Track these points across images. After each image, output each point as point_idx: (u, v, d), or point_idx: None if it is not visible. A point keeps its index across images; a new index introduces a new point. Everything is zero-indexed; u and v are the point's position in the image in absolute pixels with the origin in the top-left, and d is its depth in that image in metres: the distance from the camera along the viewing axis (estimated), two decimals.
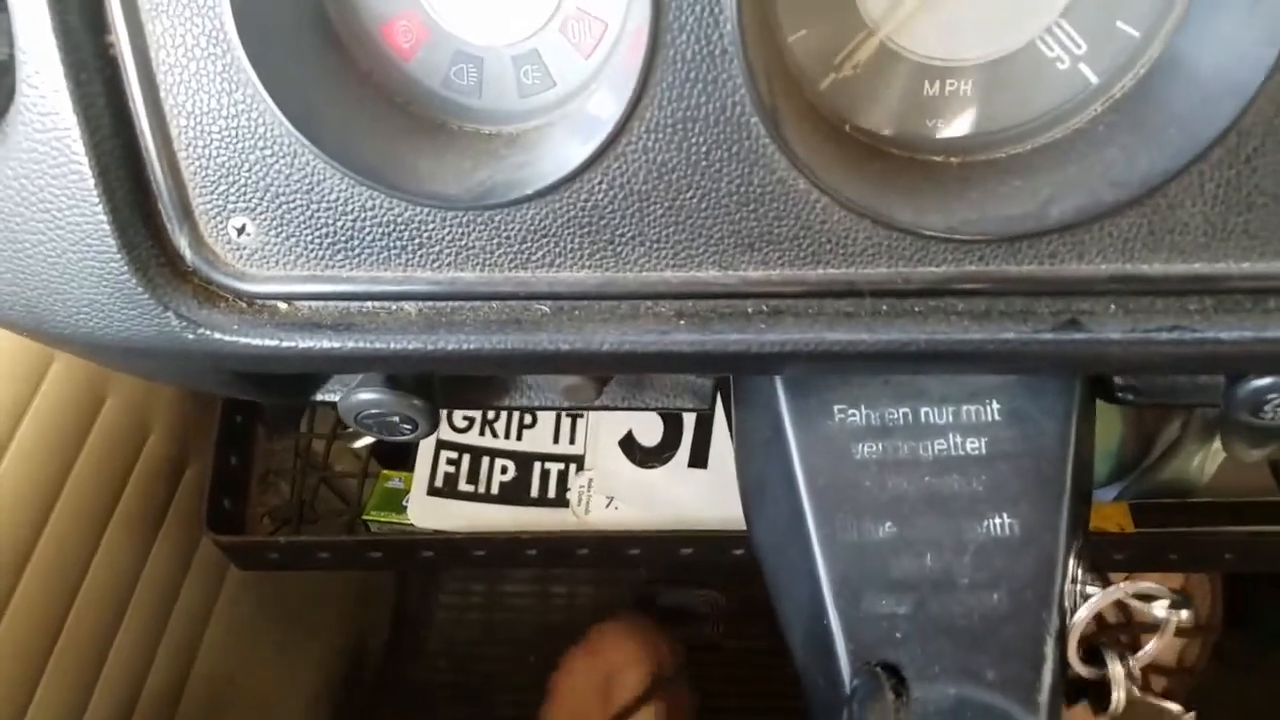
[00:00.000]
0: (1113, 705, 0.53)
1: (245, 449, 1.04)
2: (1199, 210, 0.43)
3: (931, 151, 0.47)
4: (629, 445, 1.02)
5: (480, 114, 0.48)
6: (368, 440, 1.06)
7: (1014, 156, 0.46)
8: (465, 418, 1.03)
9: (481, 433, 1.03)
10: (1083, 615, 0.52)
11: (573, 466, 1.02)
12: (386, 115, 0.47)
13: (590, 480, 1.00)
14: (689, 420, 1.01)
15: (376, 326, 0.48)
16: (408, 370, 0.54)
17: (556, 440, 1.03)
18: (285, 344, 0.48)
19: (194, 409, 1.03)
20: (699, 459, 1.01)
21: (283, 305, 0.48)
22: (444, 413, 0.99)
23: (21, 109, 0.43)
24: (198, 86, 0.44)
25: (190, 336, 0.47)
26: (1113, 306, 0.45)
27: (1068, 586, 0.53)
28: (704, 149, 0.43)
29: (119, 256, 0.46)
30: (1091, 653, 0.54)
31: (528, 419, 1.03)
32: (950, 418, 0.54)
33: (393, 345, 0.48)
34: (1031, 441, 0.53)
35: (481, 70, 0.47)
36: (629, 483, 1.00)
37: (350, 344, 0.48)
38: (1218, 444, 1.01)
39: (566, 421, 1.03)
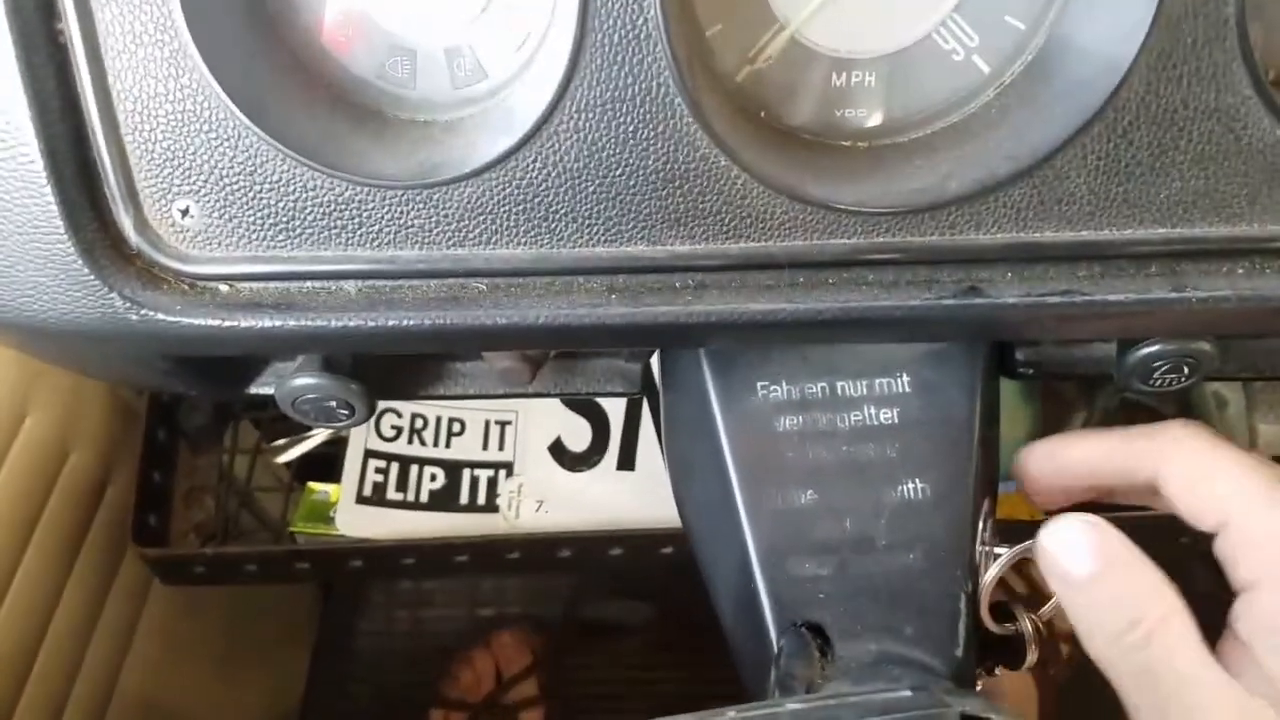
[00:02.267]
0: (1028, 657, 0.56)
1: (168, 466, 1.03)
2: (1083, 181, 0.47)
3: (840, 137, 0.51)
4: (558, 451, 1.03)
5: (416, 104, 0.50)
6: (291, 455, 1.06)
7: (916, 140, 0.50)
8: (393, 426, 1.04)
9: (410, 441, 1.03)
10: (993, 573, 0.55)
11: (502, 473, 1.03)
12: (326, 101, 0.49)
13: (520, 486, 1.01)
14: (616, 424, 1.03)
15: (317, 306, 0.49)
16: (347, 350, 0.55)
17: (485, 447, 1.04)
18: (227, 324, 0.49)
19: (115, 428, 1.02)
20: (627, 462, 1.02)
21: (224, 287, 0.49)
22: (371, 420, 1.00)
23: None
24: (145, 72, 0.45)
25: (134, 318, 0.48)
26: (1009, 274, 0.49)
27: (978, 547, 0.56)
28: (631, 128, 0.45)
29: (65, 239, 0.46)
30: (1002, 613, 0.57)
31: (456, 427, 1.04)
32: (865, 390, 0.57)
33: (333, 324, 0.49)
34: (940, 410, 0.56)
35: (415, 63, 0.49)
36: (559, 487, 1.01)
37: (291, 323, 0.49)
38: None
39: (495, 429, 1.04)
